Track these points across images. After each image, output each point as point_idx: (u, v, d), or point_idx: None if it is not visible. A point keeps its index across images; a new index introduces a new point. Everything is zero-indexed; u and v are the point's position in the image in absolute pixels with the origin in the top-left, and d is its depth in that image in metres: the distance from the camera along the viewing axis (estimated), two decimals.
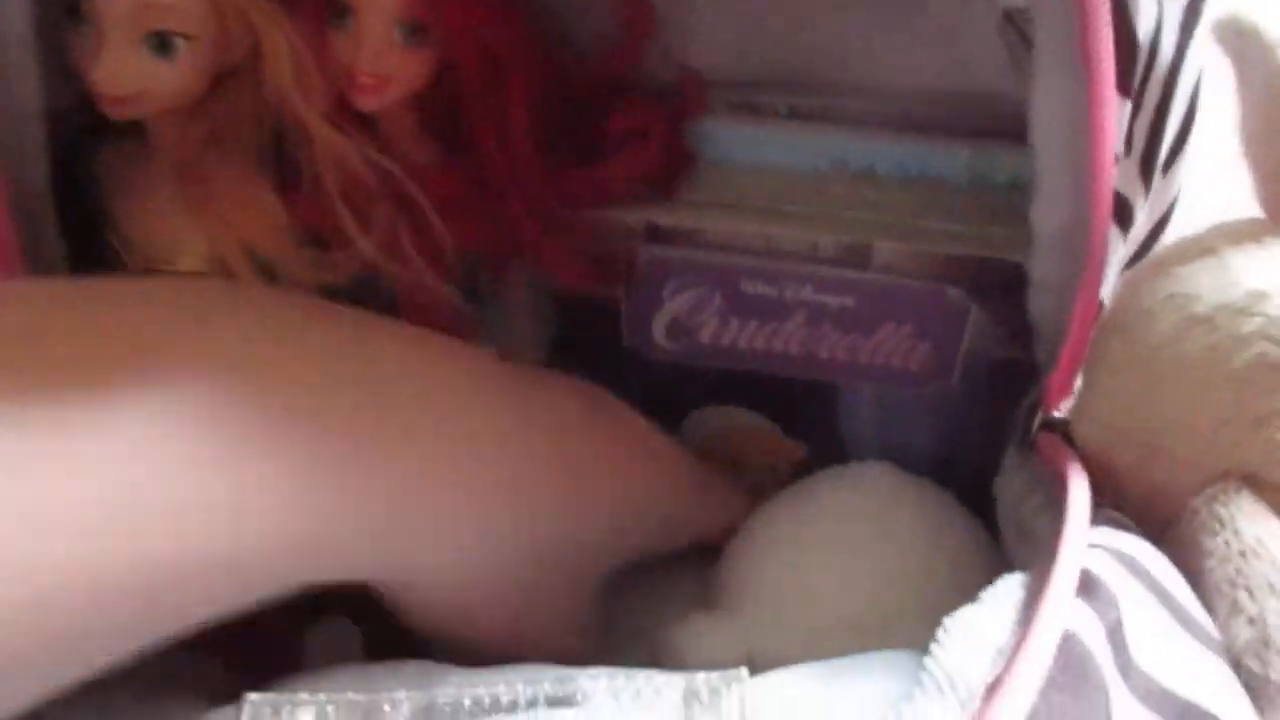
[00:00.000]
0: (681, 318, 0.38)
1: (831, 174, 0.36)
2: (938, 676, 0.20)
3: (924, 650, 0.22)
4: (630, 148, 0.35)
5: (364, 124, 0.32)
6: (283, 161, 0.32)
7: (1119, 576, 0.24)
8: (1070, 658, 0.21)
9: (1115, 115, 0.25)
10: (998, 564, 0.31)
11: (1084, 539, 0.24)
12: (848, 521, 0.34)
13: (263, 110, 0.31)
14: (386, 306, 0.34)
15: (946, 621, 0.22)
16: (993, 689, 0.19)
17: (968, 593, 0.25)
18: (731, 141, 0.36)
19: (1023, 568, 0.25)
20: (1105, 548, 0.25)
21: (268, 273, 0.32)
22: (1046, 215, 0.29)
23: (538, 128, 0.33)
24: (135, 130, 0.32)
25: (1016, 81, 0.30)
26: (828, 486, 0.36)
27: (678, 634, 0.32)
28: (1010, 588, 0.23)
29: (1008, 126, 0.34)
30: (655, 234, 0.36)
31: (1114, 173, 0.26)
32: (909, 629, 0.28)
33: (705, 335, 0.38)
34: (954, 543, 0.33)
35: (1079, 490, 0.25)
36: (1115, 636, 0.22)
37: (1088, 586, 0.23)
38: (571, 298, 0.37)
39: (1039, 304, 0.31)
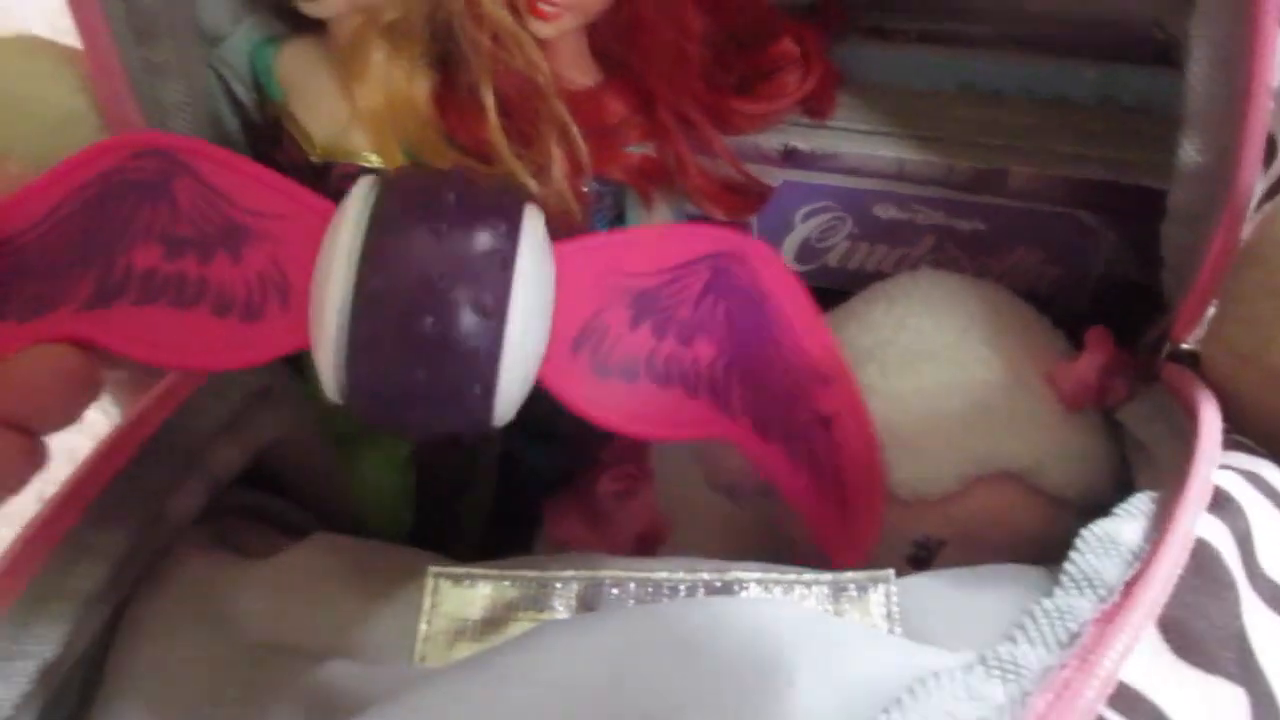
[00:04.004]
0: (812, 240, 0.38)
1: (958, 95, 0.36)
2: (1076, 577, 0.22)
3: (1053, 564, 0.24)
4: (792, 71, 0.35)
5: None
6: (446, 75, 0.34)
7: (1248, 493, 0.25)
8: (1202, 561, 0.22)
9: (1275, 49, 0.25)
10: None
11: (1216, 460, 0.25)
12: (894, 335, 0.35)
13: (438, 12, 0.32)
14: None
15: (1084, 531, 0.24)
16: (1130, 586, 0.21)
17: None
18: (862, 64, 0.37)
19: (1149, 490, 0.26)
20: (1235, 469, 0.26)
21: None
22: (1193, 149, 0.28)
23: (707, 54, 0.34)
24: (318, 27, 0.34)
25: (1168, 9, 0.29)
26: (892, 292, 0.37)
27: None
28: (1142, 503, 0.25)
29: (1134, 48, 0.34)
30: (792, 158, 0.36)
31: (1269, 109, 0.25)
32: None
33: (834, 258, 0.39)
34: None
35: (1210, 414, 0.26)
36: (1244, 545, 0.24)
37: (1218, 502, 0.24)
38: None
39: (1173, 235, 0.31)
